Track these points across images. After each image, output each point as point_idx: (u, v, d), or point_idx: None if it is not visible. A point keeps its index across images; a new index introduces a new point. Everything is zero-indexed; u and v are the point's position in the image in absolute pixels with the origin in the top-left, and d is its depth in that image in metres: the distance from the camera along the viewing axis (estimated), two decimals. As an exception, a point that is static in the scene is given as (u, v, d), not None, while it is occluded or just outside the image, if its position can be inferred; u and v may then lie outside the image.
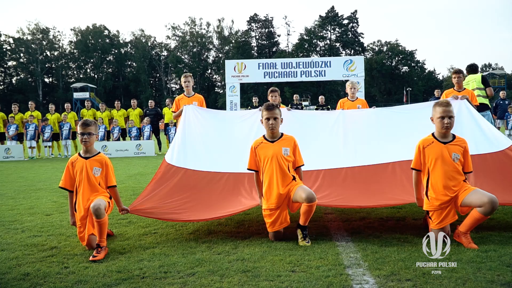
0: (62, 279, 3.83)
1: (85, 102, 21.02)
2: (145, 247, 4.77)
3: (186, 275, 3.84)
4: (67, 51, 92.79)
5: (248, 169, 5.21)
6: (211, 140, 6.60)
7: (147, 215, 5.25)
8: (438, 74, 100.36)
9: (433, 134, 4.74)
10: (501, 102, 20.28)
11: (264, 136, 5.17)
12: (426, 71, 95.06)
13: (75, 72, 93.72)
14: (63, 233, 5.45)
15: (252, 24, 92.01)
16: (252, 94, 54.82)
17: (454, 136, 4.68)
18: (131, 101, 20.58)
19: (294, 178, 4.96)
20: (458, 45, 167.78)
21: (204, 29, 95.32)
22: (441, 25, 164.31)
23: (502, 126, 19.45)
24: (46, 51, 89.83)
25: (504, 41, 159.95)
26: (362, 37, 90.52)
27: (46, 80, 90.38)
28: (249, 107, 18.86)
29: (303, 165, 5.16)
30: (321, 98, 20.84)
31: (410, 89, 77.88)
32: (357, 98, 8.76)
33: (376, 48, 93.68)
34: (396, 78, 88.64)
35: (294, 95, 19.82)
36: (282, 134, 5.14)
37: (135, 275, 3.87)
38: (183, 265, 4.10)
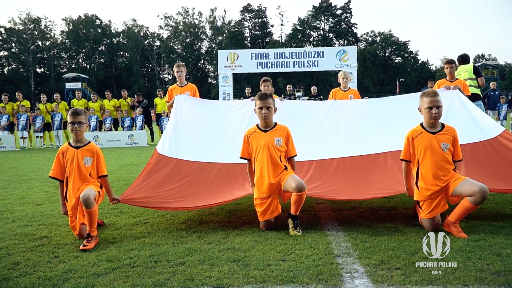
0: (52, 268, 3.82)
1: (76, 92, 20.89)
2: (136, 236, 4.76)
3: (176, 264, 3.84)
4: (58, 41, 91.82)
5: (240, 157, 5.21)
6: (203, 130, 6.57)
7: (138, 205, 5.25)
8: (431, 65, 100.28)
9: (421, 125, 4.74)
10: (491, 93, 20.33)
11: (257, 125, 5.16)
12: (419, 62, 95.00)
13: (67, 62, 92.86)
14: (53, 223, 5.44)
15: (245, 14, 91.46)
16: (245, 84, 54.51)
17: (443, 126, 4.68)
18: (122, 91, 20.44)
19: (286, 168, 4.96)
20: (451, 36, 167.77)
21: (197, 19, 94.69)
22: (434, 16, 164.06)
23: (493, 117, 19.51)
24: (38, 41, 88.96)
25: (497, 32, 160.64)
26: (355, 27, 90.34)
27: (38, 70, 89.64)
28: (241, 98, 18.83)
29: (296, 155, 5.16)
30: (313, 89, 20.84)
31: (403, 80, 77.76)
32: (349, 88, 8.80)
33: (370, 39, 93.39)
34: (389, 69, 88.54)
35: (287, 86, 19.79)
36: (275, 123, 5.12)
37: (125, 264, 3.87)
38: (174, 254, 4.10)
